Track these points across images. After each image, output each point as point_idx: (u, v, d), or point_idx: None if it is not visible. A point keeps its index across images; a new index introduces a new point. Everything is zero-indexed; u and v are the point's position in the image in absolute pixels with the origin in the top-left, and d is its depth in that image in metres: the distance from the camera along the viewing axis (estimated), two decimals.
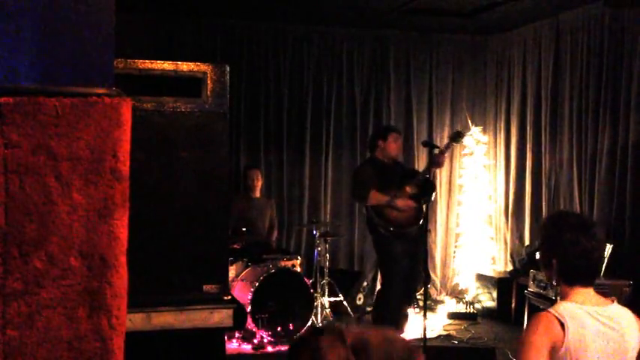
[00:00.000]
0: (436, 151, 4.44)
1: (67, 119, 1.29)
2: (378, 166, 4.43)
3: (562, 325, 1.59)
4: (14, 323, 1.24)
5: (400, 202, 4.29)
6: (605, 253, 3.97)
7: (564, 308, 1.63)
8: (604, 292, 1.73)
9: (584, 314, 1.61)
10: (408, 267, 4.27)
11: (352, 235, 5.89)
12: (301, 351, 1.04)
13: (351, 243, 5.91)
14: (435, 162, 4.39)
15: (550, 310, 1.64)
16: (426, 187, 4.33)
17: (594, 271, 1.69)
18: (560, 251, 1.66)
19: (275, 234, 5.39)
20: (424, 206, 4.36)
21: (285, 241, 5.76)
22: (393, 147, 4.43)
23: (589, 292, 1.67)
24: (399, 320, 4.28)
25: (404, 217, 4.32)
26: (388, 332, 1.10)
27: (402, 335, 1.25)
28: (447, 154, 4.62)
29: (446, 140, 5.04)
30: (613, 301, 1.69)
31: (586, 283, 1.67)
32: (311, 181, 5.83)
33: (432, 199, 4.59)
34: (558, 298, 1.70)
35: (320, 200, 5.84)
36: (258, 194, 5.26)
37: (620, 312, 1.66)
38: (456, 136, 4.58)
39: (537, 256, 1.77)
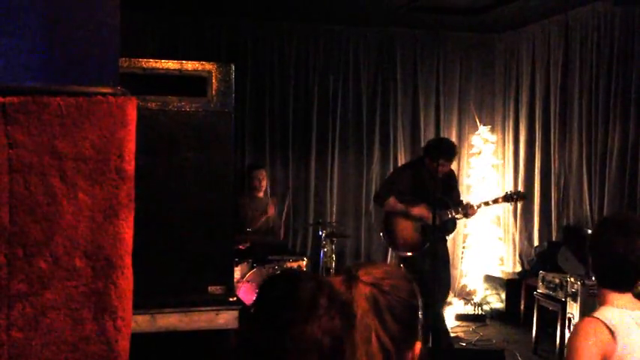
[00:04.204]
0: (476, 203, 4.32)
1: (72, 119, 1.27)
2: (422, 173, 4.26)
3: (611, 332, 1.49)
4: (19, 325, 1.23)
5: (416, 210, 4.18)
6: None
7: (610, 315, 1.52)
8: None
9: (631, 321, 1.52)
10: (428, 279, 4.00)
11: (359, 236, 5.86)
12: (310, 295, 0.82)
13: (358, 244, 5.87)
14: (467, 214, 4.29)
15: (595, 315, 1.54)
16: (447, 225, 4.25)
17: (631, 276, 1.56)
18: (596, 252, 1.59)
19: (281, 233, 5.34)
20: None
21: (291, 241, 5.74)
22: (437, 169, 4.15)
23: (626, 298, 1.57)
24: (438, 337, 4.10)
25: (409, 238, 4.21)
26: (392, 273, 0.98)
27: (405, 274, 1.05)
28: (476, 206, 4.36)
29: (496, 195, 4.72)
30: None
31: (621, 288, 1.56)
32: (317, 181, 5.81)
33: (449, 236, 4.51)
34: (598, 301, 1.57)
35: (326, 200, 5.81)
36: (262, 194, 5.23)
37: None
38: (515, 198, 4.44)
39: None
